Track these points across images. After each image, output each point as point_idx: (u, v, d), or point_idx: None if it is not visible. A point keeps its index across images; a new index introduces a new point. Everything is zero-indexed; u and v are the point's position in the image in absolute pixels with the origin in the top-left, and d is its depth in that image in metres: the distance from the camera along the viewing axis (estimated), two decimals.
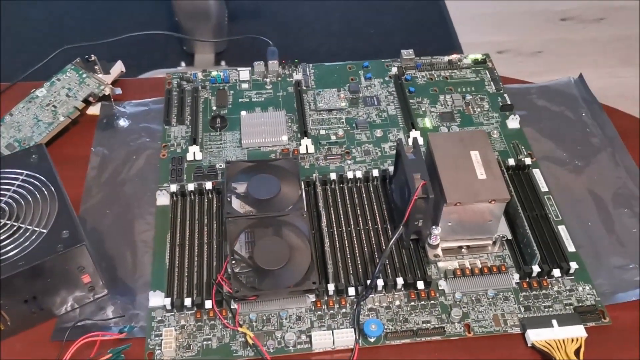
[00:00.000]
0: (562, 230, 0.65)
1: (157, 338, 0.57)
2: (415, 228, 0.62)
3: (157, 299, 0.60)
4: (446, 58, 0.85)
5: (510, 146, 0.74)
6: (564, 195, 0.69)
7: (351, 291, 0.60)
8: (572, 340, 0.56)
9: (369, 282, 0.60)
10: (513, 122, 0.76)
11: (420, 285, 0.61)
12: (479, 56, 0.85)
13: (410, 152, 0.63)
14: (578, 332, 0.57)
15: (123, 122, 0.78)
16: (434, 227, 0.62)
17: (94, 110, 0.79)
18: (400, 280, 0.60)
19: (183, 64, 1.62)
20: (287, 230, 0.62)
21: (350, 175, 0.69)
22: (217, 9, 1.55)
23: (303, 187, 0.68)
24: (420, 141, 0.73)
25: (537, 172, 0.71)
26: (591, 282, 0.62)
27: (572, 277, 0.62)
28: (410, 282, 0.61)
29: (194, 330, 0.58)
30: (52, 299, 0.58)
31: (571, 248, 0.64)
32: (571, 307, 0.60)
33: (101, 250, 0.65)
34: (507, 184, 0.65)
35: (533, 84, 0.83)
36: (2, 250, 0.54)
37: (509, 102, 0.79)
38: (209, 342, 0.58)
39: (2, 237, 0.56)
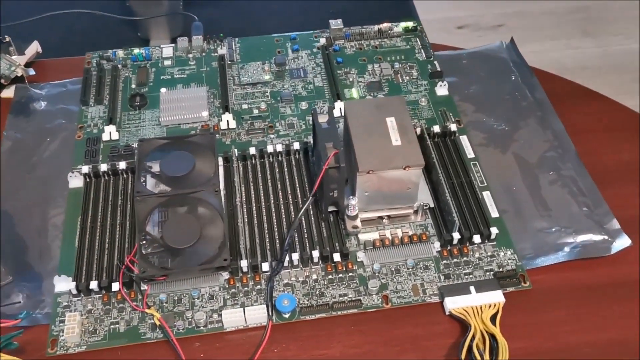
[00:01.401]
0: (486, 196, 0.64)
1: (61, 324, 0.55)
2: (331, 199, 0.60)
3: (63, 283, 0.57)
4: (376, 27, 0.82)
5: (438, 113, 0.72)
6: (491, 161, 0.68)
7: (265, 267, 0.58)
8: (490, 306, 0.55)
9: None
10: (441, 89, 0.75)
11: (336, 257, 0.59)
12: (410, 24, 0.83)
13: (325, 121, 0.61)
14: (496, 297, 0.56)
15: (38, 105, 0.75)
16: (350, 197, 0.60)
17: (8, 93, 0.76)
18: (316, 254, 0.58)
19: None
20: (200, 207, 0.60)
21: (270, 149, 0.67)
22: None
23: (221, 162, 0.66)
24: None
25: (464, 139, 0.69)
26: (513, 247, 0.60)
27: (494, 243, 0.61)
28: (326, 255, 0.59)
29: (102, 314, 0.56)
30: None
31: (494, 214, 0.63)
32: (492, 272, 0.59)
33: (10, 236, 0.62)
34: (429, 150, 0.63)
35: (464, 50, 0.81)
36: None
37: (438, 69, 0.77)
38: (117, 325, 0.55)
39: None
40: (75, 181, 0.66)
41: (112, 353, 0.54)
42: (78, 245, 0.60)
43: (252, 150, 0.67)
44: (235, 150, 0.67)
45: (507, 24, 1.81)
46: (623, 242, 0.60)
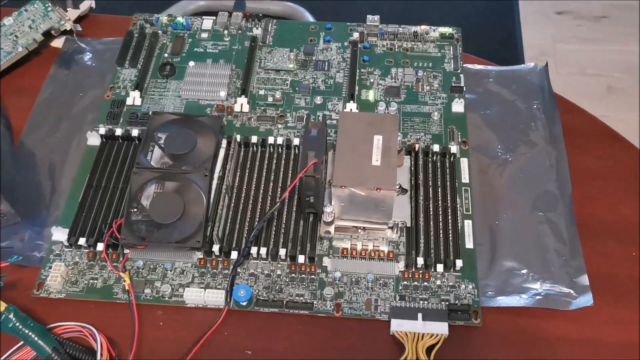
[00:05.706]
0: (467, 225, 0.64)
1: (50, 270, 0.62)
2: (307, 204, 0.63)
3: (59, 234, 0.64)
4: (413, 29, 0.82)
5: (447, 131, 0.72)
6: (484, 189, 0.68)
7: (234, 255, 0.62)
8: (431, 336, 0.57)
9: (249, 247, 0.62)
10: (457, 106, 0.74)
11: (301, 259, 0.62)
12: (449, 30, 0.82)
13: (316, 128, 0.63)
14: (440, 329, 0.57)
15: (81, 59, 0.81)
16: (327, 205, 0.62)
17: (58, 43, 0.83)
18: (283, 251, 0.62)
19: None
20: (188, 187, 0.64)
21: (271, 140, 0.70)
22: None
23: (223, 146, 0.70)
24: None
25: (464, 162, 0.69)
26: (476, 282, 0.61)
27: (459, 274, 0.62)
28: (292, 255, 0.62)
29: (85, 268, 0.63)
30: None
31: (469, 244, 0.63)
32: (446, 303, 0.60)
33: (28, 179, 0.69)
34: (419, 169, 0.64)
35: (495, 66, 0.79)
36: None
37: (461, 84, 0.76)
38: (95, 281, 0.62)
39: None
40: (93, 139, 0.71)
41: (86, 305, 0.61)
42: (80, 201, 0.67)
43: (254, 139, 0.70)
44: (238, 136, 0.70)
45: (611, 16, 1.70)
46: (585, 300, 0.59)
